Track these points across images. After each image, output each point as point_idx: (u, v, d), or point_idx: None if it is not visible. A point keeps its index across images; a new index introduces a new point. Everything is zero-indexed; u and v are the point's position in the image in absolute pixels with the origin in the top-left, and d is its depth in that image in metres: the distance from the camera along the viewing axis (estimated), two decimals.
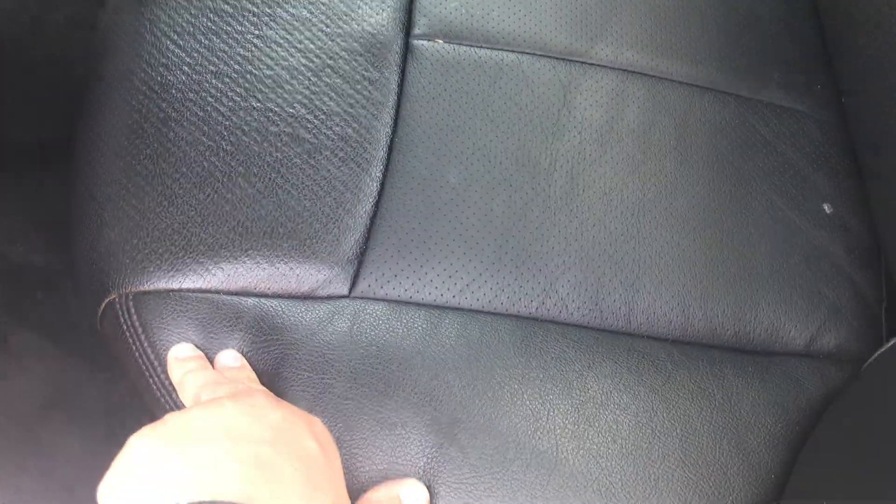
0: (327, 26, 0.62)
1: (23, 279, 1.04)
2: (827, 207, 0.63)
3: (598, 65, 0.65)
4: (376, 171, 0.58)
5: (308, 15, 0.62)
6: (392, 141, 0.59)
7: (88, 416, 0.98)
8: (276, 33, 0.61)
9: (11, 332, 1.02)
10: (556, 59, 0.65)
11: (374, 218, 0.56)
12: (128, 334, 0.52)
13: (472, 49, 0.64)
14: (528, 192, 0.59)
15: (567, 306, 0.57)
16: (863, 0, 0.64)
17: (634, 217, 0.60)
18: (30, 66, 1.11)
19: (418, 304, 0.55)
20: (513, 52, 0.64)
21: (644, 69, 0.66)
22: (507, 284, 0.56)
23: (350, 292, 0.55)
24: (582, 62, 0.65)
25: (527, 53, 0.64)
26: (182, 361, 0.50)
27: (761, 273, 0.60)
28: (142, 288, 0.53)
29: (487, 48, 0.64)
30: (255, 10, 0.62)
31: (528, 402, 0.53)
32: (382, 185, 0.57)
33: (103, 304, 0.54)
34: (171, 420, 0.40)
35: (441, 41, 0.64)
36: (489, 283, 0.56)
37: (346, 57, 0.61)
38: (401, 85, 0.61)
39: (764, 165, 0.63)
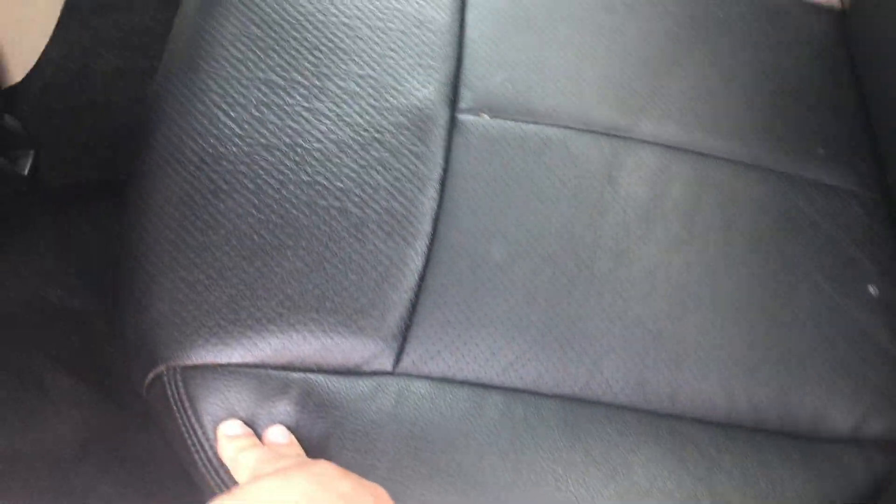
0: (375, 100, 0.63)
1: (60, 322, 1.05)
2: (872, 289, 0.63)
3: (643, 140, 0.66)
4: (421, 246, 0.58)
5: (357, 89, 0.63)
6: (437, 215, 0.59)
7: (123, 463, 0.98)
8: (326, 106, 0.62)
9: (47, 375, 1.03)
10: (601, 134, 0.65)
11: (418, 293, 0.57)
12: (175, 408, 0.53)
13: (517, 124, 0.64)
14: (573, 270, 0.59)
15: (612, 387, 0.57)
16: None
17: (679, 297, 0.60)
18: (74, 112, 1.13)
19: (462, 382, 0.55)
20: (557, 126, 0.65)
21: (688, 145, 0.66)
22: (552, 363, 0.56)
23: (394, 368, 0.55)
24: (626, 137, 0.66)
25: (571, 128, 0.65)
26: (233, 439, 0.50)
27: (806, 356, 0.60)
28: (190, 362, 0.53)
29: (532, 123, 0.65)
30: (305, 82, 0.63)
31: (571, 488, 0.53)
32: (427, 259, 0.58)
33: (151, 376, 0.54)
34: (246, 490, 0.41)
35: (486, 115, 0.65)
36: (534, 362, 0.56)
37: (393, 131, 0.62)
38: (446, 159, 0.62)
39: (809, 246, 0.63)
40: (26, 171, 1.10)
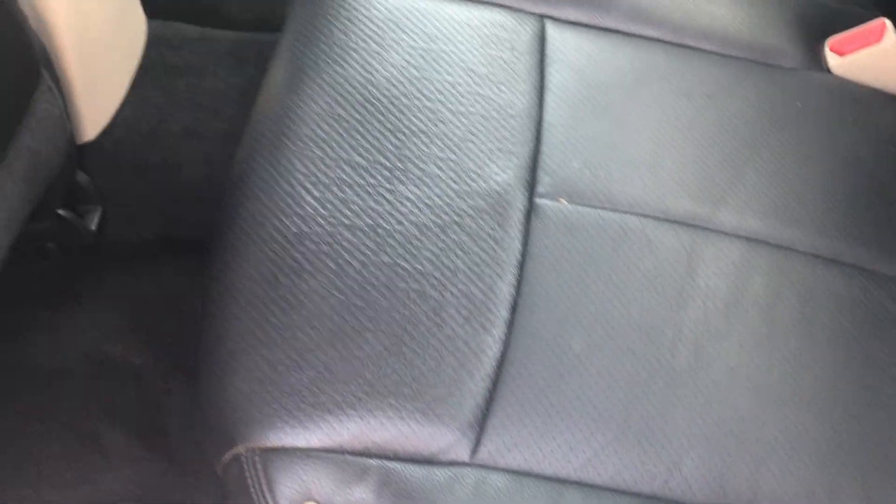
0: (456, 183, 0.64)
1: (117, 378, 1.07)
2: None
3: (722, 231, 0.65)
4: (500, 332, 0.58)
5: (438, 172, 0.64)
6: (516, 302, 0.60)
7: None
8: (407, 189, 0.63)
9: (103, 430, 1.04)
10: (679, 223, 0.65)
11: (496, 381, 0.57)
12: (252, 490, 0.53)
13: (595, 210, 0.65)
14: (653, 364, 0.59)
15: (691, 486, 0.56)
16: None
17: (760, 395, 0.59)
18: (143, 171, 1.16)
19: (539, 477, 0.55)
20: (636, 215, 0.65)
21: (767, 237, 0.66)
22: (631, 460, 0.56)
23: (471, 459, 0.55)
24: (705, 228, 0.65)
25: (650, 217, 0.65)
26: None
27: (890, 457, 0.58)
28: (269, 444, 0.53)
29: (610, 210, 0.65)
30: (388, 164, 0.64)
31: None
32: (506, 346, 0.58)
33: (229, 455, 0.55)
34: None
35: (565, 201, 0.65)
36: (612, 458, 0.56)
37: (473, 214, 0.63)
38: (525, 244, 0.62)
39: (891, 346, 0.62)
40: (94, 226, 1.13)
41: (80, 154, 1.04)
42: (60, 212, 1.06)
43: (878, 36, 0.76)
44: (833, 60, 0.77)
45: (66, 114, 0.96)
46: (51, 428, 1.02)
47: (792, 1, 0.81)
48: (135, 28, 1.16)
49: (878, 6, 0.82)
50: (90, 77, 0.99)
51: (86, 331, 1.09)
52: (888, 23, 0.76)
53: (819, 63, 0.78)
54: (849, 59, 0.76)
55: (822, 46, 0.78)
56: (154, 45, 1.23)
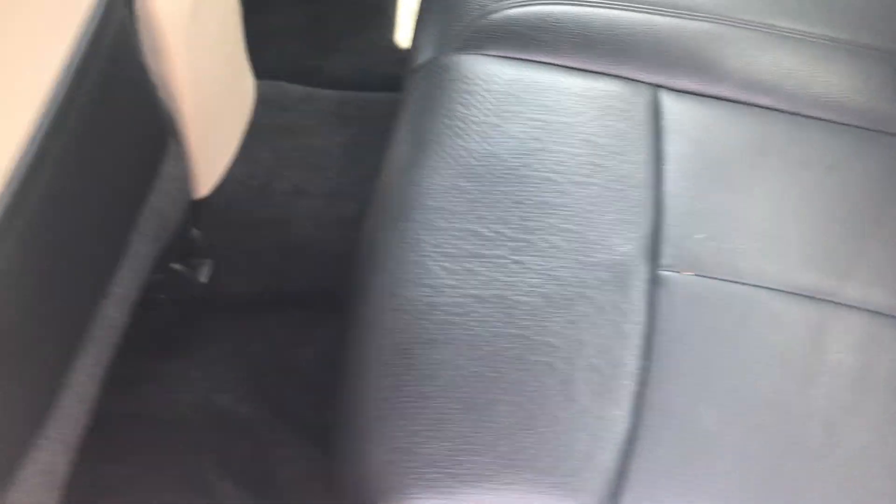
0: (579, 255, 0.65)
1: (227, 428, 1.10)
2: None
3: (849, 305, 0.65)
4: (628, 406, 0.59)
5: (562, 243, 0.66)
6: (644, 375, 0.60)
7: None
8: (533, 260, 0.65)
9: (215, 480, 1.07)
10: (806, 297, 0.65)
11: (628, 456, 0.57)
12: None
13: (720, 283, 0.65)
14: (785, 441, 0.59)
15: None
16: None
17: (893, 475, 0.58)
18: (252, 227, 1.21)
19: None
20: (761, 287, 0.65)
21: (893, 311, 0.65)
22: None
23: None
24: (832, 301, 0.65)
25: (775, 290, 0.65)
26: None
27: None
28: None
29: (735, 283, 0.65)
30: (512, 235, 0.66)
31: None
32: (636, 420, 0.58)
33: None
34: None
35: (689, 273, 0.66)
36: None
37: (597, 286, 0.64)
38: (651, 317, 0.63)
39: None
40: (204, 279, 1.17)
41: (197, 210, 1.09)
42: (174, 265, 1.11)
43: None
44: None
45: (186, 173, 1.01)
46: (166, 477, 1.06)
47: None
48: (245, 89, 1.21)
49: None
50: (206, 138, 1.04)
51: (196, 381, 1.13)
52: None
53: None
54: None
55: None
56: (263, 105, 1.28)
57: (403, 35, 1.51)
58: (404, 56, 1.46)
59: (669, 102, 0.77)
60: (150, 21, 0.82)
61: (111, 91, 0.74)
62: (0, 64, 0.56)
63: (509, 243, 0.66)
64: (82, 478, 0.81)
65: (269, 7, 1.52)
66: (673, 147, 0.73)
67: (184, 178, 1.00)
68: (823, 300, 0.65)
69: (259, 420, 1.10)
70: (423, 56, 0.83)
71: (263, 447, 1.09)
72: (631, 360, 0.61)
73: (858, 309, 0.65)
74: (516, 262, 0.65)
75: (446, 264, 0.65)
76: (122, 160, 0.81)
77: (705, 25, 0.81)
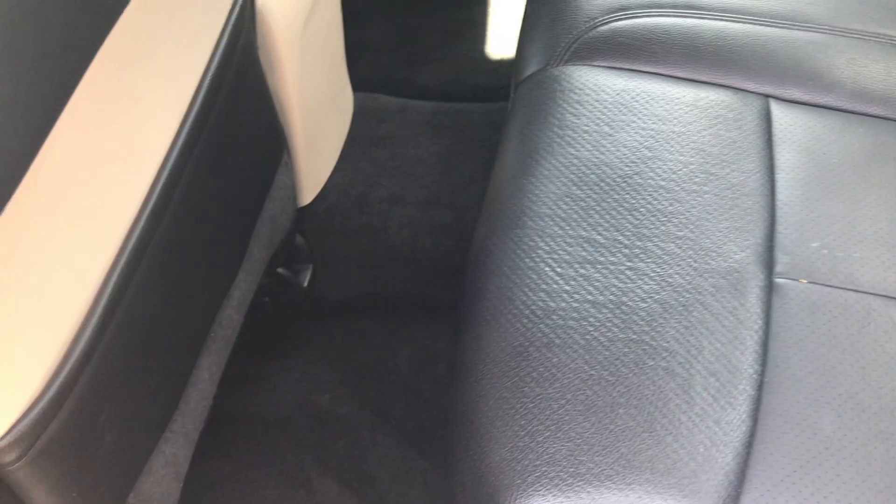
0: (695, 262, 0.66)
1: (327, 427, 1.14)
2: None
3: None
4: (747, 409, 0.60)
5: (677, 250, 0.67)
6: (761, 380, 0.61)
7: None
8: (648, 266, 0.66)
9: (315, 478, 1.10)
10: None
11: (747, 459, 0.58)
12: None
13: (837, 291, 0.65)
14: None
15: None
16: None
17: None
18: (351, 233, 1.25)
19: None
20: (878, 296, 0.65)
21: None
22: None
23: None
24: None
25: (893, 298, 0.65)
26: None
27: None
28: None
29: (852, 291, 0.65)
30: (627, 242, 0.67)
31: None
32: (754, 424, 0.59)
33: None
34: None
35: (805, 281, 0.66)
36: None
37: (713, 292, 0.65)
38: (767, 323, 0.64)
39: None
40: (305, 283, 1.21)
41: (300, 218, 1.13)
42: (280, 270, 1.15)
43: None
44: None
45: (295, 181, 1.06)
46: (269, 474, 1.10)
47: None
48: (346, 101, 1.25)
49: None
50: (311, 148, 1.09)
51: (297, 382, 1.17)
52: None
53: None
54: None
55: None
56: (361, 117, 1.33)
57: (493, 47, 1.53)
58: (495, 67, 1.49)
59: (780, 112, 0.77)
60: (268, 38, 0.86)
61: (240, 102, 0.78)
62: (153, 72, 0.60)
63: (624, 250, 0.67)
64: (190, 473, 0.85)
65: (361, 21, 1.57)
66: (784, 156, 0.74)
67: (292, 186, 1.04)
68: None
69: (357, 420, 1.14)
70: (531, 67, 0.85)
71: (361, 447, 1.12)
72: (748, 366, 0.62)
73: None
74: (632, 268, 0.66)
75: (560, 270, 0.66)
76: (246, 168, 0.85)
77: (814, 35, 0.82)
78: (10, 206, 0.43)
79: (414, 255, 1.23)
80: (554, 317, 0.64)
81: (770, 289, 0.66)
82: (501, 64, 1.49)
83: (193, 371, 0.80)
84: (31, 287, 0.51)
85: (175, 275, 0.68)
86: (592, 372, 0.61)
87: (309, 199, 1.17)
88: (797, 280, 0.66)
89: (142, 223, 0.60)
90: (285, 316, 1.23)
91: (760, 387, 0.61)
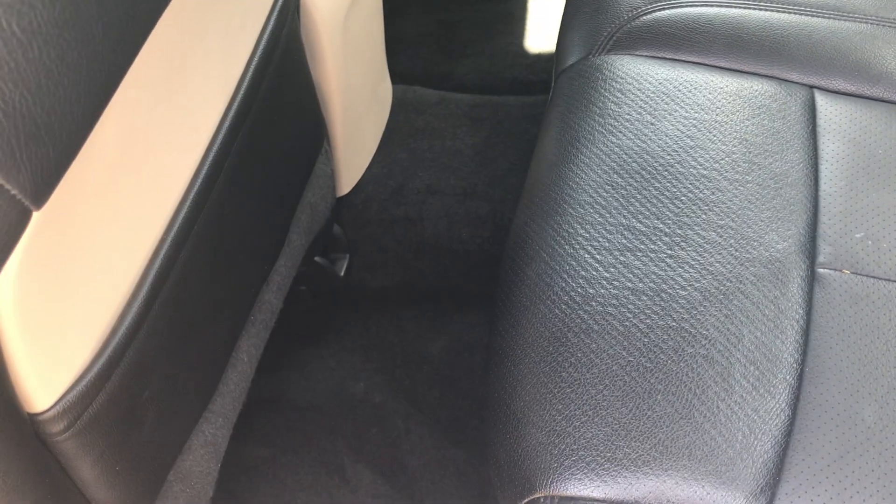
0: (736, 250, 0.66)
1: (361, 415, 1.15)
2: None
3: None
4: (786, 399, 0.59)
5: (718, 238, 0.66)
6: (802, 370, 0.60)
7: None
8: (688, 254, 0.66)
9: (349, 464, 1.11)
10: None
11: (786, 448, 0.58)
12: None
13: (880, 282, 0.65)
14: None
15: None
16: None
17: None
18: (388, 224, 1.25)
19: None
20: None
21: None
22: None
23: None
24: None
25: None
26: None
27: None
28: (567, 493, 0.57)
29: (893, 281, 0.65)
30: (667, 230, 0.67)
31: None
32: (794, 413, 0.59)
33: (526, 500, 0.59)
34: None
35: (848, 272, 0.65)
36: None
37: (754, 282, 0.64)
38: (808, 313, 0.63)
39: None
40: (342, 273, 1.23)
41: (336, 208, 1.14)
42: (317, 259, 1.16)
43: None
44: None
45: (334, 170, 1.07)
46: (303, 459, 1.11)
47: None
48: (385, 93, 1.26)
49: None
50: (351, 138, 1.09)
51: (333, 370, 1.18)
52: None
53: None
54: None
55: None
56: (400, 108, 1.33)
57: (532, 41, 1.53)
58: (533, 61, 1.49)
59: (824, 103, 0.76)
60: (311, 27, 0.87)
61: (283, 88, 0.79)
62: (202, 55, 0.61)
63: (664, 238, 0.67)
64: (228, 455, 0.86)
65: (401, 15, 1.57)
66: (829, 147, 0.73)
67: (331, 175, 1.05)
68: None
69: (390, 409, 1.14)
70: (573, 57, 0.85)
71: (394, 435, 1.13)
72: (788, 355, 0.61)
73: None
74: (672, 256, 0.66)
75: (600, 257, 0.66)
76: (288, 155, 0.86)
77: (860, 26, 0.81)
78: (66, 177, 0.44)
79: (450, 246, 1.23)
80: (593, 303, 0.64)
81: (812, 279, 0.65)
82: (539, 58, 1.49)
83: (233, 353, 0.81)
84: (81, 262, 0.52)
85: (217, 257, 0.69)
86: (631, 358, 0.61)
87: (347, 188, 1.18)
88: (840, 270, 0.65)
89: (187, 204, 0.61)
90: (322, 304, 1.24)
91: (801, 376, 0.60)
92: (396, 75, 1.31)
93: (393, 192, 1.24)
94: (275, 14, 0.74)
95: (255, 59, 0.71)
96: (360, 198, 1.24)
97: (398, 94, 1.31)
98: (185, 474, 0.74)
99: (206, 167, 0.65)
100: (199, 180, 0.64)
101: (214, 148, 0.66)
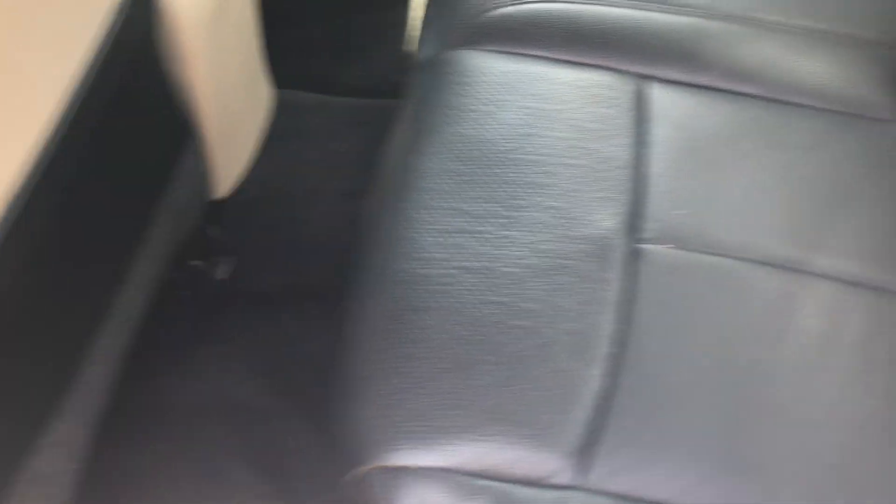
0: (564, 229, 0.69)
1: (245, 418, 1.14)
2: None
3: (819, 274, 0.68)
4: (605, 367, 0.62)
5: (548, 219, 0.70)
6: (622, 338, 0.64)
7: None
8: (519, 234, 0.69)
9: (232, 468, 1.11)
10: (778, 267, 0.68)
11: (604, 412, 0.60)
12: None
13: (698, 255, 0.68)
14: (753, 400, 0.62)
15: None
16: None
17: (856, 430, 0.61)
18: (272, 226, 1.26)
19: (641, 501, 0.58)
20: (736, 259, 0.68)
21: (864, 280, 0.68)
22: (729, 489, 0.58)
23: (578, 483, 0.59)
24: (802, 271, 0.68)
25: (750, 261, 0.68)
26: None
27: None
28: (392, 463, 0.59)
29: (713, 255, 0.69)
30: (502, 212, 0.70)
31: None
32: (613, 379, 0.62)
33: (355, 473, 0.60)
34: None
35: (670, 246, 0.69)
36: (711, 487, 0.58)
37: (580, 258, 0.68)
38: (632, 285, 0.66)
39: None
40: (224, 276, 1.22)
41: (215, 210, 1.14)
42: (194, 262, 1.16)
43: None
44: None
45: (204, 173, 1.07)
46: (183, 465, 1.10)
47: (885, 54, 0.84)
48: (262, 95, 1.27)
49: None
50: (225, 139, 1.10)
51: (215, 374, 1.17)
52: None
53: None
54: None
55: None
56: (283, 112, 1.34)
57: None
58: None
59: (656, 91, 0.81)
60: (172, 28, 0.88)
61: (130, 92, 0.80)
62: (23, 62, 0.61)
63: (497, 220, 0.70)
64: (104, 465, 0.85)
65: (291, 22, 1.58)
66: (658, 132, 0.77)
67: (203, 176, 1.05)
68: (795, 270, 0.68)
69: (274, 411, 1.14)
70: (427, 53, 0.88)
71: (278, 437, 1.13)
72: (609, 325, 0.64)
73: (828, 278, 0.68)
74: (503, 236, 0.69)
75: (438, 239, 0.69)
76: (139, 156, 0.86)
77: (691, 20, 0.85)
78: None
79: (332, 247, 1.24)
80: (428, 283, 0.66)
81: (636, 254, 0.69)
82: None
83: (91, 352, 0.80)
84: None
85: (57, 253, 0.69)
86: (461, 332, 0.63)
87: (225, 191, 1.18)
88: (663, 245, 0.69)
89: (21, 194, 0.61)
90: (203, 309, 1.23)
91: (622, 344, 0.63)
92: (284, 81, 1.32)
93: (275, 194, 1.25)
94: (121, 15, 0.74)
95: (96, 62, 0.71)
96: (243, 200, 1.24)
97: (281, 99, 1.32)
98: (35, 475, 0.73)
99: (39, 169, 0.65)
100: (34, 180, 0.64)
101: (48, 152, 0.66)
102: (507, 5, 0.86)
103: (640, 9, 0.86)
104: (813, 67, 0.82)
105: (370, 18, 1.62)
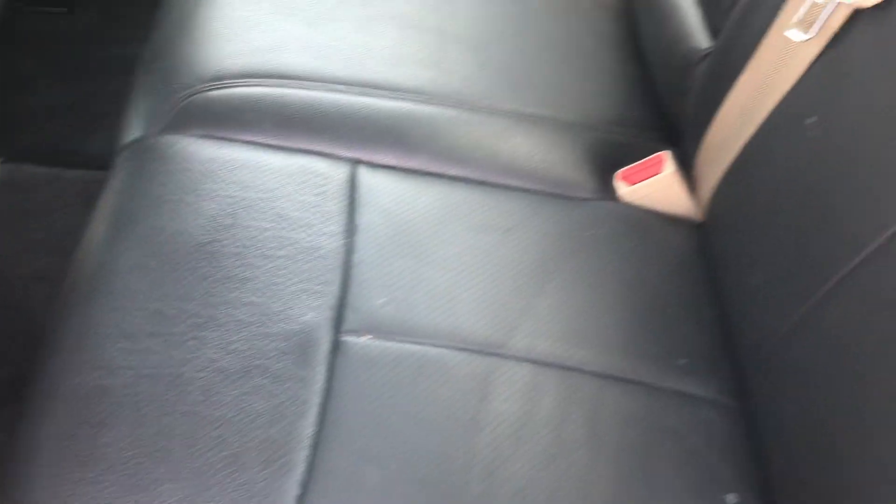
0: (260, 326, 0.67)
1: None
2: (733, 498, 0.66)
3: (515, 357, 0.70)
4: (299, 474, 0.60)
5: (244, 316, 0.67)
6: (317, 440, 0.62)
7: None
8: (213, 335, 0.66)
9: None
10: (475, 352, 0.69)
11: None
12: None
13: (397, 344, 0.68)
14: (446, 493, 0.62)
15: None
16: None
17: None
18: None
19: None
20: (435, 346, 0.69)
21: (557, 360, 0.70)
22: None
23: None
24: (499, 354, 0.70)
25: (448, 347, 0.69)
26: None
27: None
28: None
29: (411, 343, 0.69)
30: (194, 311, 0.67)
31: None
32: (304, 487, 0.60)
33: None
34: None
35: (369, 337, 0.69)
36: None
37: (277, 356, 0.65)
38: (329, 382, 0.65)
39: (671, 457, 0.67)
40: None
41: None
42: None
43: (660, 167, 0.84)
44: (622, 189, 0.85)
45: None
46: None
47: (587, 136, 0.89)
48: None
49: (661, 140, 0.91)
50: None
51: None
52: (668, 155, 0.85)
53: (611, 193, 0.85)
54: (636, 188, 0.84)
55: (613, 177, 0.85)
56: (6, 190, 1.24)
57: None
58: None
59: (367, 176, 0.81)
60: None
61: None
62: None
63: (192, 319, 0.66)
64: None
65: (29, 87, 1.48)
66: (365, 218, 0.77)
67: None
68: (491, 354, 0.70)
69: None
70: (131, 135, 0.84)
71: None
72: (307, 427, 0.63)
73: (523, 360, 0.70)
74: (195, 338, 0.65)
75: (125, 345, 0.64)
76: None
77: (403, 104, 0.87)
78: None
79: None
80: (108, 395, 0.61)
81: (336, 348, 0.67)
82: None
83: None
84: None
85: None
86: (140, 450, 0.59)
87: None
88: (362, 337, 0.68)
89: None
90: None
91: (315, 447, 0.62)
92: (16, 152, 1.22)
93: None
94: None
95: None
96: None
97: (4, 175, 1.23)
98: None
99: None
100: None
101: None
102: (214, 89, 0.84)
103: (353, 94, 0.86)
104: (518, 149, 0.86)
105: (119, 81, 1.54)
